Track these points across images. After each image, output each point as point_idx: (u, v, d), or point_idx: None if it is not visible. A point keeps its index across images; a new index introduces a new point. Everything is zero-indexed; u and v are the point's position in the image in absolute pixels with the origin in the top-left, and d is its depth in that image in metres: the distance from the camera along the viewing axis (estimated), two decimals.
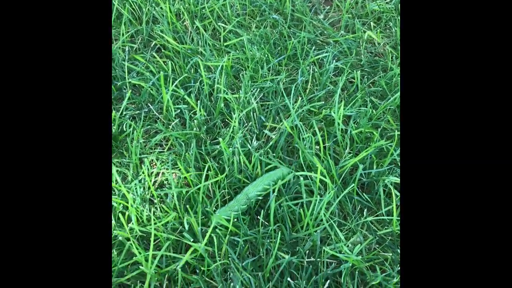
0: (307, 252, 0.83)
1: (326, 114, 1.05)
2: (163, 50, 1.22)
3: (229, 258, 0.81)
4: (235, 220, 0.86)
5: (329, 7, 1.37)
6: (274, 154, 0.98)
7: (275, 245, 0.80)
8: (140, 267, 0.77)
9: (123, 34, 1.23)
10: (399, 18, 1.28)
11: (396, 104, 1.07)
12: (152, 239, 0.79)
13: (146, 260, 0.80)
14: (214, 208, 0.88)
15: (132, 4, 1.31)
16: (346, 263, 0.78)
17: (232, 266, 0.80)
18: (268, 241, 0.83)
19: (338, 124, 0.98)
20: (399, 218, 0.84)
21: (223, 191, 0.92)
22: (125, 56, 1.18)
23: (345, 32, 1.29)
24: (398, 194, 0.90)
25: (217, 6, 1.30)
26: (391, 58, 1.19)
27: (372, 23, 1.30)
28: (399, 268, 0.80)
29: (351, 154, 0.98)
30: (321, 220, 0.86)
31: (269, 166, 0.96)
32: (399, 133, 1.01)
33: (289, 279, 0.78)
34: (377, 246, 0.86)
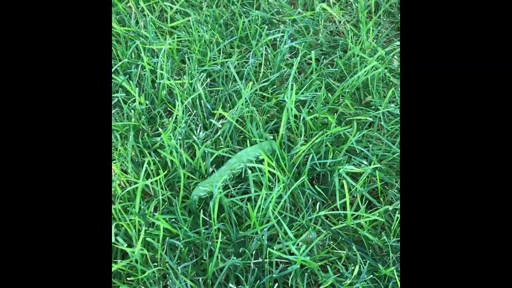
0: (253, 252, 0.76)
1: (279, 100, 0.96)
2: None
3: (167, 264, 0.73)
4: (173, 220, 0.78)
5: None
6: (223, 145, 0.89)
7: (217, 246, 0.72)
8: None
9: None
10: None
11: (355, 86, 0.99)
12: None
13: None
14: (152, 209, 0.80)
15: None
16: (294, 264, 0.71)
17: (170, 272, 0.72)
18: (210, 242, 0.76)
19: (291, 109, 0.90)
20: (353, 213, 0.77)
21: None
22: None
23: (303, 10, 1.20)
24: (354, 184, 0.83)
25: None
26: (351, 36, 1.11)
27: None
28: (352, 268, 0.73)
29: (305, 142, 0.90)
30: (270, 216, 0.79)
31: (214, 157, 0.87)
32: (356, 117, 0.93)
33: (231, 285, 0.70)
34: (332, 242, 0.79)
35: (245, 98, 0.91)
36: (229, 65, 1.02)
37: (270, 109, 0.96)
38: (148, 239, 0.73)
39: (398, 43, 1.10)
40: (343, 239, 0.79)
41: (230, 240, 0.78)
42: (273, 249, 0.74)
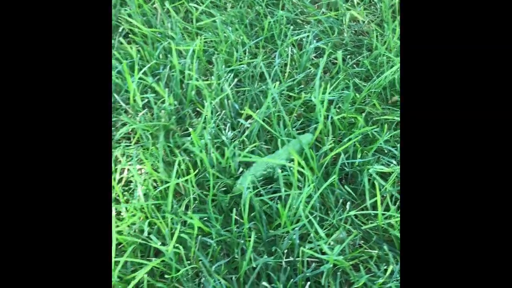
0: (285, 251, 0.76)
1: (306, 99, 0.97)
2: (130, 36, 1.13)
3: (200, 262, 0.74)
4: (205, 219, 0.79)
5: None
6: (249, 145, 0.90)
7: (249, 245, 0.73)
8: None
9: None
10: None
11: (381, 85, 0.99)
12: (113, 243, 0.72)
13: None
14: (183, 209, 0.81)
15: None
16: (327, 264, 0.71)
17: (203, 270, 0.74)
18: (242, 241, 0.76)
19: (320, 109, 0.91)
20: (384, 213, 0.77)
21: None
22: None
23: (327, 10, 1.20)
24: (384, 184, 0.83)
25: None
26: (376, 36, 1.11)
27: None
28: (385, 267, 0.73)
29: (333, 142, 0.90)
30: (301, 216, 0.79)
31: (242, 159, 0.88)
32: (385, 117, 0.93)
33: (264, 283, 0.71)
34: (363, 242, 0.80)
35: (272, 97, 0.92)
36: (255, 65, 1.03)
37: (297, 108, 0.96)
38: (182, 236, 0.74)
39: None
40: (374, 239, 0.79)
41: (261, 239, 0.79)
42: (304, 248, 0.75)
